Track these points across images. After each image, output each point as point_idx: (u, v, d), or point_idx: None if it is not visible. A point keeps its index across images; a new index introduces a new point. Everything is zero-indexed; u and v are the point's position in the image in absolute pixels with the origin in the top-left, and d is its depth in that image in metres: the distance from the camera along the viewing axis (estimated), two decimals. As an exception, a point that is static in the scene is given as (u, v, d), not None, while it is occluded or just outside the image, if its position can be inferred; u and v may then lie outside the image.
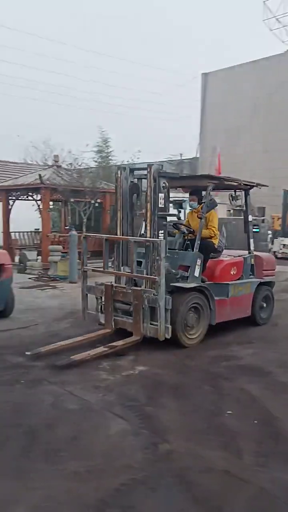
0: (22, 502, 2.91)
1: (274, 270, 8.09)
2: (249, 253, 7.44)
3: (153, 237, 5.99)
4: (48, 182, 13.96)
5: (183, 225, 6.95)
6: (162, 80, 67.77)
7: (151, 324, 5.89)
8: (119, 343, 5.84)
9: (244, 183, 7.05)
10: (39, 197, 14.82)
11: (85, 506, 2.88)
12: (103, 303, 6.41)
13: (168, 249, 6.71)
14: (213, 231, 6.88)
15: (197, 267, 6.34)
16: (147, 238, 6.02)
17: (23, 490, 3.04)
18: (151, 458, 3.45)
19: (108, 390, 4.71)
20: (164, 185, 5.99)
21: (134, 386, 4.82)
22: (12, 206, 15.82)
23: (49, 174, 14.83)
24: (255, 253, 7.57)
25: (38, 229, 16.05)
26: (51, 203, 16.79)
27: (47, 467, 3.30)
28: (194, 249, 6.38)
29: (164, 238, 6.06)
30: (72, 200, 14.53)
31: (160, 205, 6.00)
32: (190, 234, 6.93)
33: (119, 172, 6.34)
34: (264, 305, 7.58)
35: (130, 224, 6.51)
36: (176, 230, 7.00)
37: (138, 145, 35.24)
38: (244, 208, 7.67)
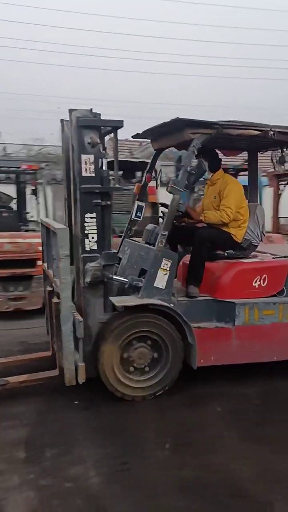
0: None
1: None
2: (304, 253, 4.37)
3: (77, 223, 3.85)
4: None
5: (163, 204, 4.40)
6: None
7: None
8: (20, 378, 3.98)
9: (279, 130, 4.04)
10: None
11: None
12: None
13: (146, 242, 4.40)
14: (227, 214, 4.20)
15: (160, 272, 3.88)
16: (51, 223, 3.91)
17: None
18: None
19: None
20: (90, 141, 3.75)
21: None
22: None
23: None
24: None
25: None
26: None
27: None
28: (157, 243, 3.92)
29: (101, 225, 3.85)
30: None
31: (85, 174, 3.80)
32: (184, 218, 4.42)
33: (62, 124, 4.29)
34: None
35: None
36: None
37: None
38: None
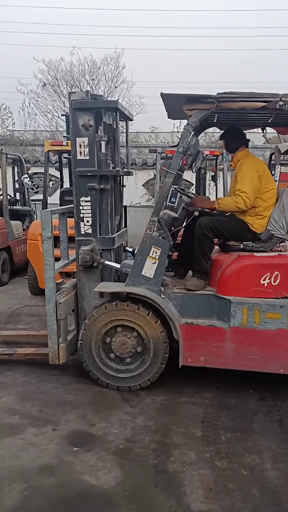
0: None
1: None
2: None
3: (76, 206, 3.89)
4: None
5: (182, 191, 4.00)
6: None
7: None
8: (27, 350, 4.25)
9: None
10: None
11: None
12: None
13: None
14: (243, 199, 3.72)
15: (148, 260, 3.67)
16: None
17: None
18: None
19: None
20: (84, 123, 3.72)
21: None
22: None
23: None
24: None
25: None
26: None
27: None
28: (147, 229, 3.70)
29: (98, 209, 3.83)
30: None
31: (80, 157, 3.80)
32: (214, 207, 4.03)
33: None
34: None
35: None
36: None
37: None
38: None
